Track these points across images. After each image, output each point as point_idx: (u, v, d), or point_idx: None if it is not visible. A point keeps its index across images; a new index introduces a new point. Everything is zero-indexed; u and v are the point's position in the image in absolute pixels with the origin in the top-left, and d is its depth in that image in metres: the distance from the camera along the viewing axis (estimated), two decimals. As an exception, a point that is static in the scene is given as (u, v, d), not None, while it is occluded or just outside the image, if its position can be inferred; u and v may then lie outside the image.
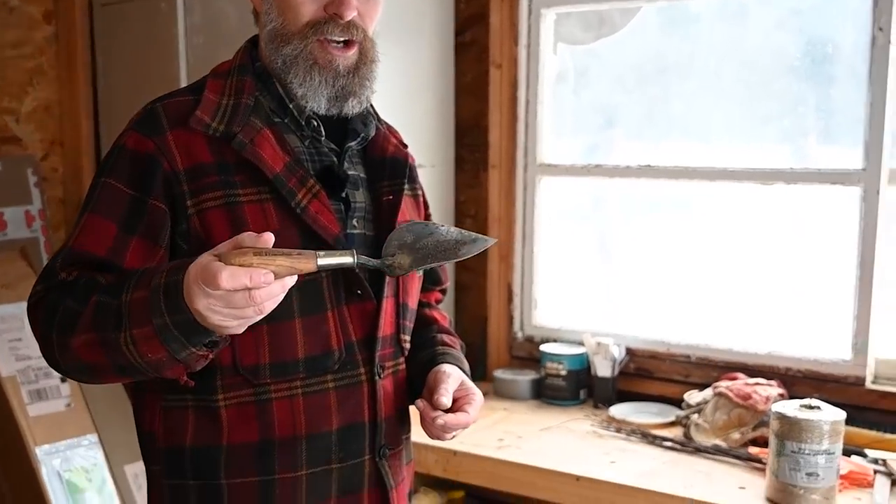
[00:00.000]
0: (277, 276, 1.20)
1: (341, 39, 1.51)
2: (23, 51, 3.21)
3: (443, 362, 1.62)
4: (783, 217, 2.72)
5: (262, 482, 1.47)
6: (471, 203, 3.27)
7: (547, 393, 2.95)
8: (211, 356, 1.33)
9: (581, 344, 2.96)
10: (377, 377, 1.53)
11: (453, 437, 1.54)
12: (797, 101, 2.68)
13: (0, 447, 2.63)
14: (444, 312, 1.84)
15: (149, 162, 1.44)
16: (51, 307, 1.39)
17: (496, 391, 3.03)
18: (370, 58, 1.56)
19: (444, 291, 1.88)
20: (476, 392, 1.57)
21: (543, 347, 2.98)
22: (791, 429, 2.10)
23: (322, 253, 1.24)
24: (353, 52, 1.53)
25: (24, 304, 2.71)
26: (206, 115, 1.48)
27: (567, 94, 3.09)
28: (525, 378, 3.01)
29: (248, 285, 1.19)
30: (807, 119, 2.68)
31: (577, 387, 2.92)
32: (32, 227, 3.05)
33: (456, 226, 3.23)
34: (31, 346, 2.71)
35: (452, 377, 1.56)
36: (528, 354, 3.14)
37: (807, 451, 2.08)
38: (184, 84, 2.97)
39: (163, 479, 1.51)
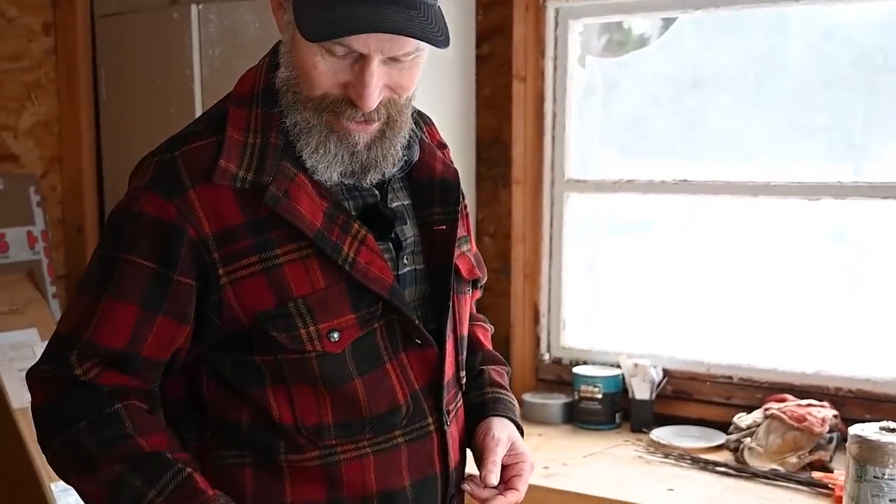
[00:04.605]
0: None
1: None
2: (21, 64, 3.05)
3: (493, 414, 1.49)
4: (829, 232, 2.64)
5: None
6: (489, 221, 3.16)
7: (581, 417, 2.84)
8: None
9: (614, 366, 2.86)
10: (446, 426, 1.41)
11: None
12: (844, 113, 2.61)
13: (12, 483, 2.46)
14: (486, 325, 1.71)
15: (172, 231, 1.26)
16: (60, 416, 1.29)
17: (525, 416, 2.89)
18: (400, 124, 1.34)
19: (483, 287, 1.67)
20: (527, 459, 1.47)
21: (577, 370, 2.87)
22: (872, 453, 2.00)
23: None
24: (376, 126, 1.32)
25: (35, 331, 2.59)
26: (231, 164, 1.28)
27: (596, 107, 3.00)
28: (556, 402, 2.89)
29: None
30: (854, 132, 2.61)
31: (613, 410, 2.81)
32: (35, 248, 2.88)
33: (476, 245, 3.15)
34: (42, 376, 2.55)
35: (501, 444, 1.44)
36: (555, 377, 3.03)
37: (889, 476, 1.99)
38: (198, 100, 2.83)
39: None
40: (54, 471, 1.34)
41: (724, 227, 2.81)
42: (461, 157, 3.07)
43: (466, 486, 1.43)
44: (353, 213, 1.34)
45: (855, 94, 2.60)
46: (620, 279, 3.03)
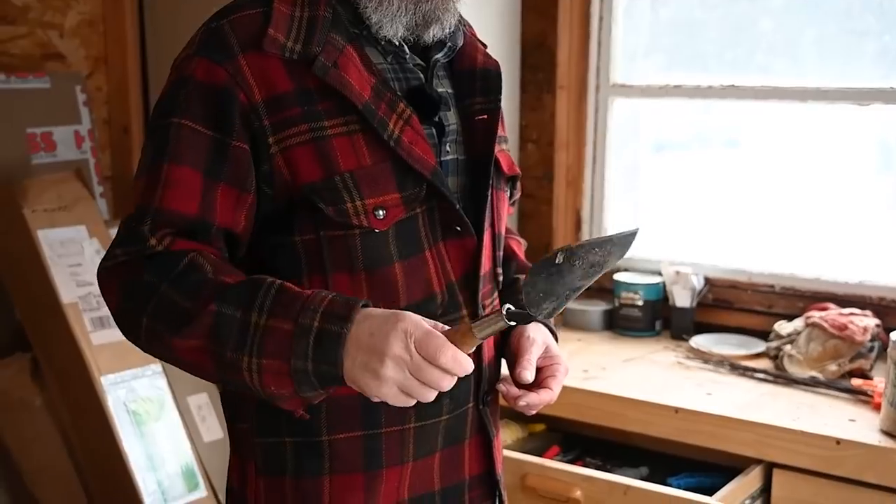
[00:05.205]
0: None
1: None
2: (65, -39, 3.04)
3: None
4: (878, 139, 2.60)
5: (367, 436, 1.34)
6: (532, 127, 3.13)
7: (621, 323, 2.85)
8: (330, 391, 1.24)
9: (656, 273, 2.86)
10: None
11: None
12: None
13: (64, 377, 2.53)
14: (519, 239, 1.71)
15: (224, 95, 1.26)
16: (142, 286, 1.23)
17: (565, 322, 2.92)
18: None
19: (515, 203, 1.69)
20: (561, 362, 1.46)
21: (618, 277, 2.87)
22: (913, 359, 2.00)
23: (476, 325, 1.19)
24: None
25: (84, 228, 2.62)
26: (279, 34, 1.28)
27: (644, 10, 2.94)
28: (597, 308, 2.91)
29: (463, 371, 1.17)
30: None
31: (653, 317, 2.82)
32: (82, 148, 2.90)
33: (519, 152, 3.14)
34: (93, 271, 2.59)
35: (536, 345, 1.43)
36: (596, 284, 3.01)
37: (929, 383, 1.99)
38: (243, -2, 2.81)
39: (254, 437, 1.37)
40: (151, 351, 1.27)
41: (771, 133, 2.77)
42: (505, 61, 3.02)
43: (501, 387, 1.43)
44: (399, 95, 1.34)
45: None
46: (663, 186, 3.01)
